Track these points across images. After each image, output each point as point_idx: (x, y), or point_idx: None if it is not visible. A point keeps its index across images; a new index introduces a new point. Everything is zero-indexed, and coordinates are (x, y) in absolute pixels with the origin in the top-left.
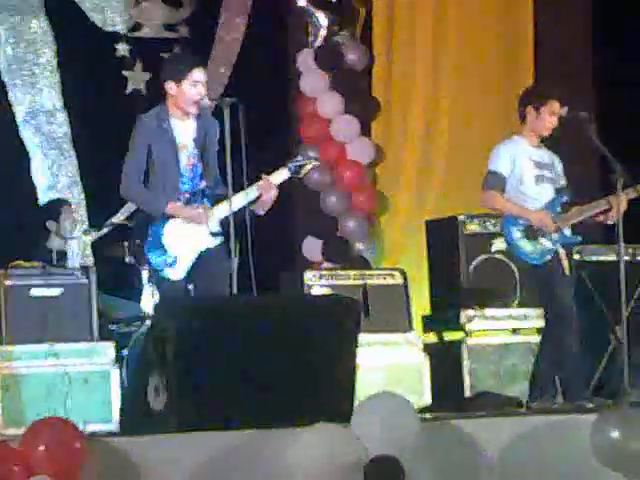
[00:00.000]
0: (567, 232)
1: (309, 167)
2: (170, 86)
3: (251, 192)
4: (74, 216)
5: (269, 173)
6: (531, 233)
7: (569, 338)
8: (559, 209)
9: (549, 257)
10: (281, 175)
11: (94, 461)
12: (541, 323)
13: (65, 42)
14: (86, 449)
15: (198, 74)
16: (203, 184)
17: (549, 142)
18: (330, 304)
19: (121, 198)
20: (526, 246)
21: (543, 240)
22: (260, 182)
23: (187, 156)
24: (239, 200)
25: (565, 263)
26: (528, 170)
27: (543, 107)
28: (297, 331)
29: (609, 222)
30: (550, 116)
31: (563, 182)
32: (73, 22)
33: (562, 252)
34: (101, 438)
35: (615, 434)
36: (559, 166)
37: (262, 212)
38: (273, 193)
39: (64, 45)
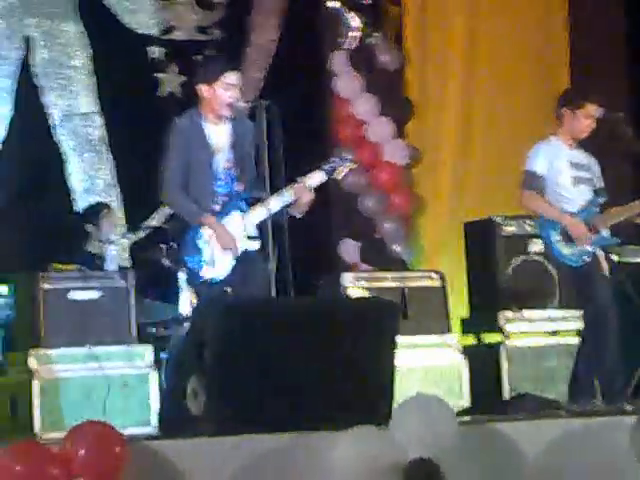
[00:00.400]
0: (605, 233)
1: (345, 169)
2: (203, 89)
3: (287, 195)
4: (113, 219)
5: (304, 175)
6: (569, 236)
7: (607, 340)
8: (597, 210)
9: (587, 259)
10: (317, 177)
11: (133, 465)
12: (580, 325)
13: (99, 45)
14: (126, 453)
15: (231, 77)
16: (239, 187)
17: (585, 144)
18: (368, 306)
19: (158, 201)
20: (564, 248)
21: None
22: (296, 185)
23: (222, 159)
24: (275, 203)
25: (604, 265)
26: (565, 171)
27: (579, 110)
28: (335, 333)
29: None
30: (586, 119)
31: (600, 183)
32: (106, 25)
33: (601, 254)
34: (140, 441)
35: None
36: (596, 167)
37: (299, 215)
38: (309, 196)
39: (98, 48)
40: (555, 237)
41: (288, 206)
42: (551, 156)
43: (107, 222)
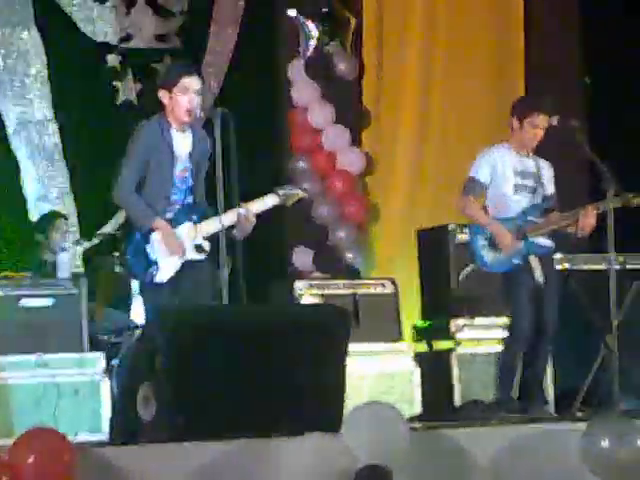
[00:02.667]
0: (541, 241)
1: (297, 198)
2: (162, 94)
3: (232, 217)
4: (65, 227)
5: (258, 194)
6: (495, 242)
7: (518, 346)
8: (533, 218)
9: (508, 267)
10: (269, 200)
11: (83, 472)
12: None
13: (56, 53)
14: (75, 460)
15: (189, 81)
16: (191, 198)
17: (542, 151)
18: (320, 313)
19: (112, 209)
20: (488, 254)
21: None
22: (239, 211)
23: (181, 167)
24: (228, 218)
25: (538, 272)
26: (508, 178)
27: (526, 119)
28: (287, 340)
29: (578, 235)
30: (533, 128)
31: (550, 191)
32: (64, 33)
33: (534, 260)
34: (91, 448)
35: (605, 443)
36: (548, 174)
37: (240, 238)
38: (252, 221)
39: (55, 56)
40: (480, 242)
41: (230, 228)
42: (496, 163)
43: (60, 230)
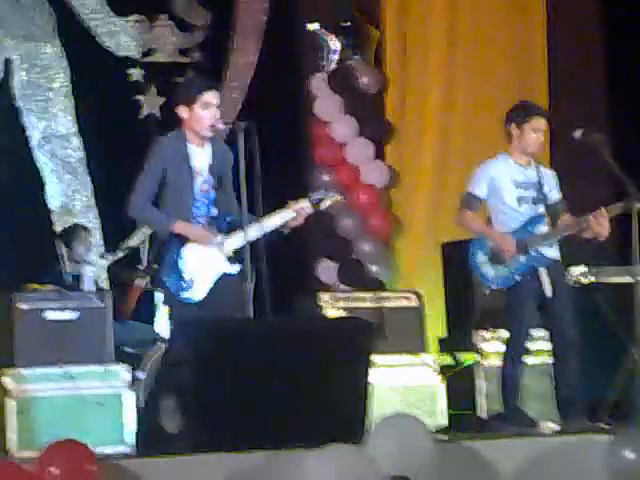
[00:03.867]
0: (547, 252)
1: (329, 202)
2: (182, 110)
3: (257, 230)
4: (89, 240)
5: (289, 201)
6: (496, 257)
7: (516, 361)
8: (535, 229)
9: (518, 278)
10: (301, 205)
11: None
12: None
13: (79, 67)
14: (99, 471)
15: (209, 96)
16: (215, 211)
17: (563, 164)
18: (345, 325)
19: (136, 222)
20: (488, 271)
21: (509, 264)
22: (298, 207)
23: (201, 181)
24: (249, 234)
25: (547, 284)
26: (509, 191)
27: (526, 124)
28: (311, 353)
29: (598, 239)
30: (533, 132)
31: (556, 197)
32: (86, 47)
33: (543, 272)
34: (115, 460)
35: (631, 455)
36: (551, 182)
37: (286, 231)
38: (302, 219)
39: (78, 70)
40: (480, 258)
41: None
42: (494, 176)
43: (84, 243)
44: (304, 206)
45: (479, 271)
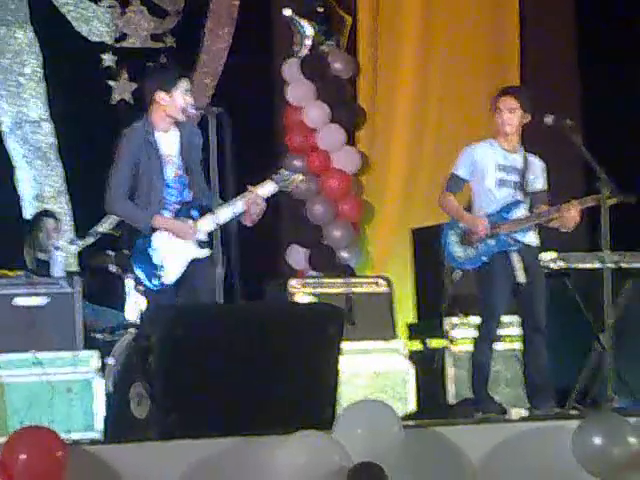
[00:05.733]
0: (520, 237)
1: (295, 180)
2: (161, 96)
3: (238, 205)
4: (58, 226)
5: (255, 185)
6: (466, 238)
7: (487, 345)
8: (512, 215)
9: (485, 259)
10: (268, 188)
11: (76, 469)
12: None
13: (51, 53)
14: (68, 458)
15: (187, 84)
16: (190, 195)
17: (536, 149)
18: (313, 311)
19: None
20: (456, 251)
21: (478, 245)
22: (247, 195)
23: (173, 168)
24: (226, 213)
25: (519, 270)
26: (491, 173)
27: (498, 104)
28: (280, 339)
29: (562, 229)
30: (501, 113)
31: (538, 186)
32: (59, 33)
33: (515, 258)
34: (84, 446)
35: (598, 440)
36: (537, 170)
37: (250, 224)
38: (261, 206)
39: (50, 56)
40: (452, 238)
41: (239, 215)
42: (477, 158)
43: (54, 229)
44: (269, 188)
45: (448, 251)
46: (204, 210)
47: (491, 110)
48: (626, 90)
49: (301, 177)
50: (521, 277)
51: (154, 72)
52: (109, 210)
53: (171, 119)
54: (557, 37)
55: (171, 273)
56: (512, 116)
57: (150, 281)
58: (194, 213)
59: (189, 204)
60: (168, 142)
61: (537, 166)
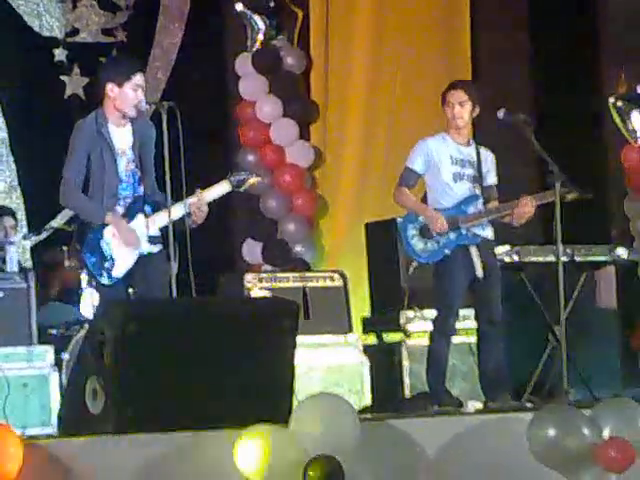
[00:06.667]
0: (478, 231)
1: (250, 182)
2: (111, 88)
3: (180, 209)
4: (14, 222)
5: (209, 185)
6: (426, 232)
7: (445, 338)
8: (471, 208)
9: (438, 257)
10: (222, 188)
11: (31, 465)
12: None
13: (2, 47)
14: (22, 453)
15: (140, 78)
16: (142, 189)
17: (490, 143)
18: (268, 305)
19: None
20: (417, 244)
21: (439, 239)
22: (192, 199)
23: (125, 161)
24: (179, 211)
25: (477, 264)
26: (446, 167)
27: (448, 97)
28: (235, 333)
29: (514, 224)
30: (450, 107)
31: (491, 180)
32: (9, 26)
33: (474, 251)
34: (38, 441)
35: (552, 432)
36: (489, 163)
37: (194, 226)
38: (204, 210)
39: (1, 50)
40: (411, 232)
41: (187, 215)
42: (431, 152)
43: (9, 225)
44: (224, 188)
45: (408, 244)
46: (157, 206)
47: (442, 104)
48: (582, 83)
49: (256, 179)
50: (479, 271)
51: (109, 64)
52: (63, 202)
53: (121, 113)
54: (509, 29)
55: (121, 266)
56: (462, 110)
57: (100, 274)
58: (147, 208)
59: (142, 198)
60: (121, 135)
61: (488, 159)
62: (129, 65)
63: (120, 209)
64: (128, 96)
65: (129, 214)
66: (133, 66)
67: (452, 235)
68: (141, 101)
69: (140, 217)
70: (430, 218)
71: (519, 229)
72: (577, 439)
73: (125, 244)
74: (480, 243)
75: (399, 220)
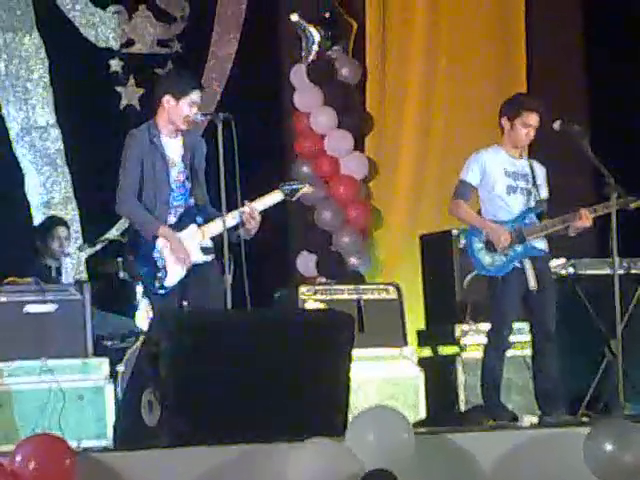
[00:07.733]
0: (536, 244)
1: (303, 191)
2: (167, 100)
3: (232, 220)
4: (67, 233)
5: (262, 195)
6: (491, 245)
7: (498, 353)
8: (529, 221)
9: (507, 271)
10: (274, 197)
11: (85, 477)
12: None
13: (58, 58)
14: (76, 466)
15: (197, 96)
16: (192, 201)
17: (543, 154)
18: (324, 318)
19: (115, 214)
20: (485, 258)
21: (508, 251)
22: (243, 209)
23: (176, 172)
24: (230, 220)
25: (531, 277)
26: (500, 180)
27: (517, 119)
28: (291, 346)
29: (570, 234)
30: (523, 128)
31: (544, 194)
32: (66, 38)
33: (528, 265)
34: (94, 454)
35: (608, 447)
36: (541, 177)
37: (248, 237)
38: (257, 219)
39: (57, 61)
40: (477, 245)
41: (236, 228)
42: (485, 165)
43: (63, 236)
44: (277, 198)
45: (476, 258)
46: (209, 216)
47: (509, 118)
48: (636, 91)
49: (309, 188)
50: (533, 283)
51: (170, 76)
52: (119, 209)
53: (174, 126)
54: (564, 39)
55: (173, 276)
56: (530, 132)
57: (153, 284)
58: (199, 219)
59: (194, 208)
60: (172, 146)
61: (540, 172)
62: (189, 81)
63: (172, 218)
64: (183, 111)
65: (181, 223)
66: (193, 82)
67: (519, 248)
68: (195, 115)
69: (192, 227)
70: (493, 232)
71: (571, 240)
72: (633, 454)
73: (176, 260)
74: (539, 255)
75: (464, 233)
